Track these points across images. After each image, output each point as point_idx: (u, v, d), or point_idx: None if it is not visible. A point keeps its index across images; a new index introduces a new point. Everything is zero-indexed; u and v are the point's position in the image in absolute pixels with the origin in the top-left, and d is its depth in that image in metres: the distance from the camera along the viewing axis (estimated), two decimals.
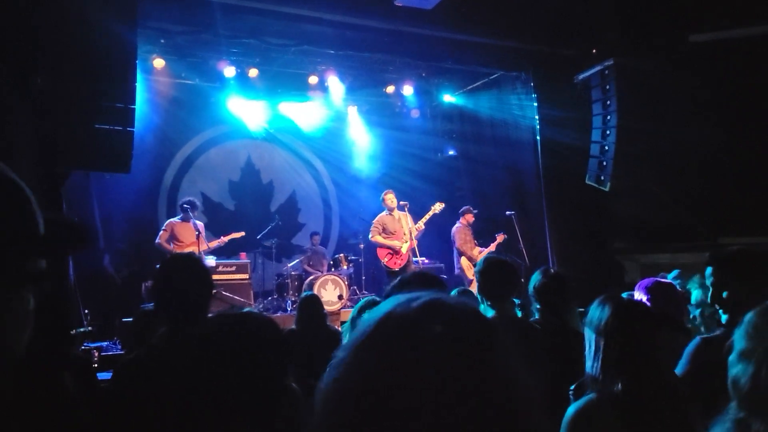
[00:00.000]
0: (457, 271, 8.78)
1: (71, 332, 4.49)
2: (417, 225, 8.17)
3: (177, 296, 2.03)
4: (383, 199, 8.21)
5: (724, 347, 2.21)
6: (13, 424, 2.21)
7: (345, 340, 3.18)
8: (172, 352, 1.93)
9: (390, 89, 10.72)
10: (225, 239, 8.31)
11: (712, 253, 2.39)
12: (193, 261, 2.15)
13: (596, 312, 1.84)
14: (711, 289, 2.34)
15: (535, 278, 3.01)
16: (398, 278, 2.28)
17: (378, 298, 3.76)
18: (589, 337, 1.83)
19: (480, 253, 8.58)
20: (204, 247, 7.89)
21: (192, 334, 1.93)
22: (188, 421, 1.45)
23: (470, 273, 8.50)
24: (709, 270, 2.37)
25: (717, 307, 2.33)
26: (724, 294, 2.28)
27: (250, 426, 1.43)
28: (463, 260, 8.71)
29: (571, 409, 1.75)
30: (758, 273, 2.25)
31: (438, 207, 8.33)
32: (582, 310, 3.49)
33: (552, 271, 3.02)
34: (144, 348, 2.05)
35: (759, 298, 2.03)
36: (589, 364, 1.81)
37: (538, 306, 2.99)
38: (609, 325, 1.76)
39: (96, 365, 3.93)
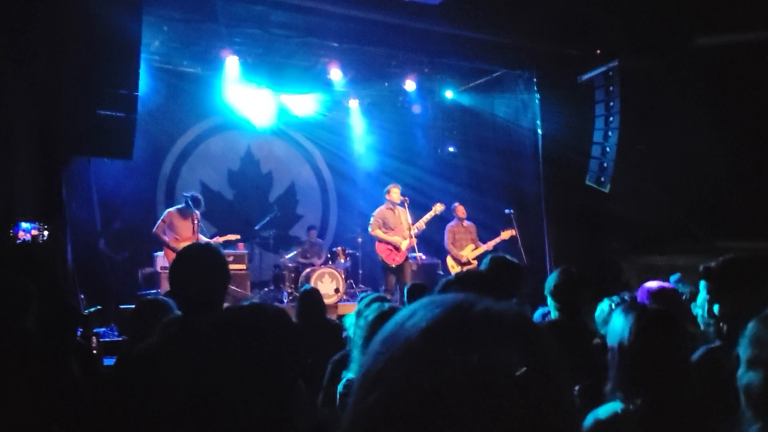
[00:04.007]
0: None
1: (84, 313, 4.47)
2: (418, 224, 8.16)
3: (194, 285, 2.02)
4: (388, 191, 8.16)
5: (725, 358, 2.23)
6: (26, 410, 2.22)
7: (351, 331, 3.19)
8: (185, 342, 1.93)
9: (392, 84, 10.69)
10: (220, 239, 8.23)
11: (704, 266, 2.38)
12: (211, 251, 2.15)
13: (619, 320, 1.81)
14: (706, 304, 2.35)
15: (554, 277, 2.98)
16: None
17: (382, 294, 3.78)
18: (612, 345, 1.81)
19: (473, 251, 8.60)
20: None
21: (205, 324, 1.93)
22: (199, 412, 1.45)
23: (454, 272, 8.51)
24: (702, 283, 2.37)
25: (715, 319, 2.33)
26: (716, 307, 2.29)
27: (261, 417, 1.43)
28: (449, 259, 8.76)
29: (592, 418, 1.73)
30: (749, 283, 2.25)
31: (438, 208, 8.31)
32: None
33: (572, 269, 2.99)
34: (159, 336, 2.04)
35: (753, 307, 2.04)
36: (611, 373, 1.79)
37: (555, 305, 2.96)
38: (633, 335, 1.74)
39: (95, 351, 3.94)
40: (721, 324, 2.29)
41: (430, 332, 0.62)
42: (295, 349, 1.53)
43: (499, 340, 0.62)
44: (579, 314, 2.89)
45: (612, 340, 1.81)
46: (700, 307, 2.55)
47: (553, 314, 2.96)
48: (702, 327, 2.56)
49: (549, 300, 2.98)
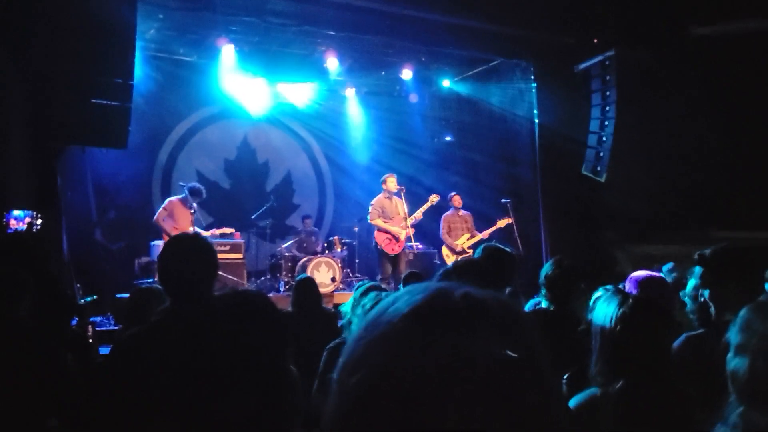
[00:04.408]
0: None
1: (80, 303, 4.49)
2: (415, 214, 8.20)
3: (181, 275, 2.04)
4: (384, 181, 8.19)
5: (707, 345, 2.26)
6: (20, 399, 2.23)
7: (345, 319, 3.21)
8: (173, 330, 1.95)
9: (389, 73, 10.65)
10: (217, 232, 8.26)
11: (699, 253, 2.42)
12: (199, 241, 2.16)
13: (603, 307, 1.85)
14: (699, 290, 2.38)
15: (548, 268, 3.00)
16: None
17: (376, 283, 3.79)
18: (595, 331, 1.84)
19: (469, 240, 8.63)
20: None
21: (191, 313, 1.95)
22: (187, 398, 1.47)
23: (449, 261, 8.54)
24: (697, 269, 2.40)
25: (702, 306, 2.36)
26: (706, 293, 2.32)
27: (249, 406, 1.44)
28: (444, 248, 8.79)
29: (571, 403, 1.77)
30: (740, 271, 2.28)
31: (434, 199, 8.35)
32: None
33: (565, 262, 3.00)
34: (145, 325, 2.06)
35: (742, 295, 2.07)
36: (593, 357, 1.83)
37: (547, 295, 2.97)
38: (616, 321, 1.78)
39: (92, 340, 3.96)
40: (710, 311, 2.32)
41: (410, 316, 0.63)
42: (279, 335, 1.54)
43: (477, 323, 0.62)
44: (569, 305, 2.91)
45: (595, 326, 1.85)
46: (689, 296, 2.57)
47: (544, 304, 2.98)
48: (690, 315, 2.59)
49: (542, 290, 2.99)
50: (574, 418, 1.71)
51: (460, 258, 8.49)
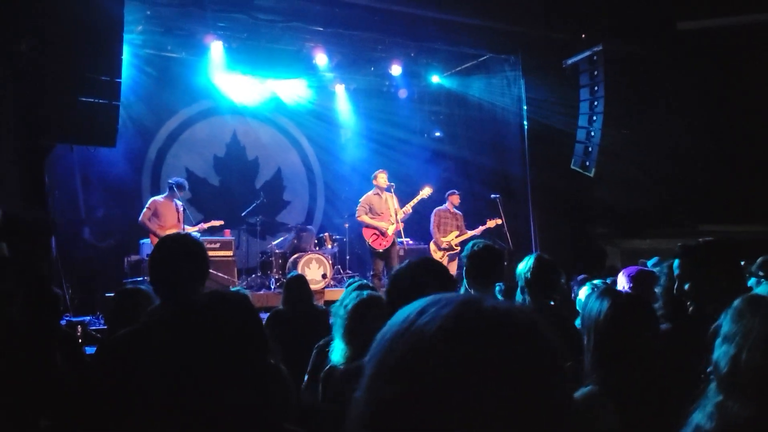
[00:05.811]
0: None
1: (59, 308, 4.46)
2: (404, 208, 8.18)
3: (170, 277, 2.05)
4: (375, 177, 8.18)
5: (671, 341, 2.28)
6: (12, 399, 2.22)
7: (333, 320, 3.20)
8: (161, 331, 1.95)
9: (378, 69, 10.64)
10: (205, 226, 8.21)
11: (679, 245, 2.43)
12: (188, 242, 2.16)
13: (594, 304, 1.87)
14: (677, 282, 2.39)
15: (526, 264, 2.97)
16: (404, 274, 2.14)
17: (366, 281, 3.80)
18: (588, 328, 1.86)
19: (457, 237, 8.62)
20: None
21: (174, 314, 1.96)
22: (176, 397, 1.48)
23: (435, 256, 8.53)
24: (676, 262, 2.41)
25: (683, 298, 2.38)
26: (686, 285, 2.34)
27: (235, 402, 1.45)
28: (431, 244, 8.79)
29: None
30: (723, 264, 2.30)
31: (426, 192, 8.32)
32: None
33: (543, 257, 2.98)
34: (135, 326, 2.06)
35: (725, 288, 2.09)
36: (587, 355, 1.85)
37: (526, 290, 2.94)
38: (607, 318, 1.80)
39: (81, 340, 3.94)
40: (684, 305, 2.34)
41: (444, 330, 0.66)
42: (258, 331, 1.56)
43: (506, 335, 0.66)
44: (545, 301, 2.90)
45: (587, 324, 1.87)
46: (659, 292, 2.59)
47: (525, 300, 2.93)
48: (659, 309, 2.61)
49: (520, 286, 2.96)
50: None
51: (445, 254, 8.51)
